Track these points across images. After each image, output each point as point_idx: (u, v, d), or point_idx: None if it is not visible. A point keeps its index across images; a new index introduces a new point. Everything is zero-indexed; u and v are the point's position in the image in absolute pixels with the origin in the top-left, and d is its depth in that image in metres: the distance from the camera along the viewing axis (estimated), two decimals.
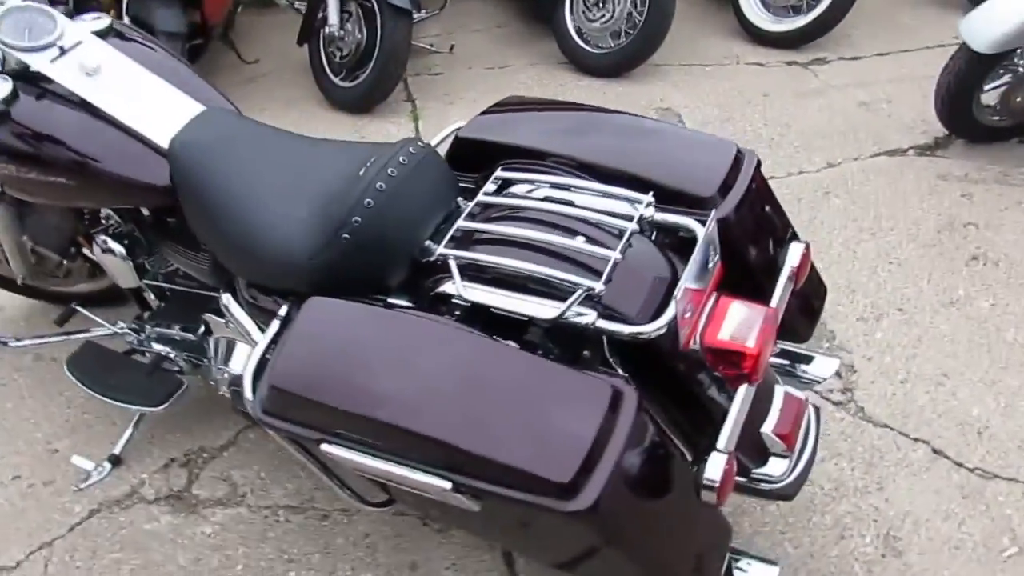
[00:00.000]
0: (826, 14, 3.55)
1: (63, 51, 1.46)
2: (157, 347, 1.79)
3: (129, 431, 1.88)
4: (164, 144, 1.43)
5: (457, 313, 1.23)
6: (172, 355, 1.78)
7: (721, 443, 1.11)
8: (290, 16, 3.74)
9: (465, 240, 1.25)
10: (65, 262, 2.03)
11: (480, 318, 1.20)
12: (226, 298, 1.49)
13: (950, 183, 2.74)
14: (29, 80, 1.47)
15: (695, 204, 1.29)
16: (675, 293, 1.08)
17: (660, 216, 1.25)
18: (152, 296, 1.83)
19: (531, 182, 1.34)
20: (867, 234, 2.51)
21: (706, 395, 1.26)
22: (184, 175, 1.40)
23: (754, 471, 1.32)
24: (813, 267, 1.53)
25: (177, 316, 1.77)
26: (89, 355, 1.85)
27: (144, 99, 1.47)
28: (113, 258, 1.66)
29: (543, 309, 1.15)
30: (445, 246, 1.23)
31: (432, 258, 1.23)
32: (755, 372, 1.13)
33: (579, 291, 1.11)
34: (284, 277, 1.33)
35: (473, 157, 1.45)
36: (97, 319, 1.97)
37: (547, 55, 3.79)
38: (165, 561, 1.69)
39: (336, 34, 3.37)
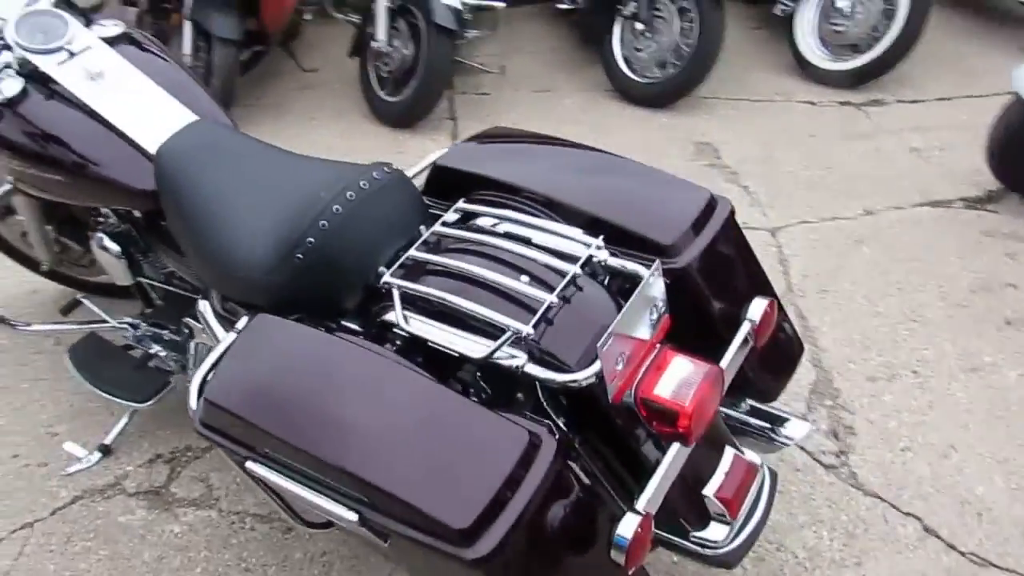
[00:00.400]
0: (886, 54, 3.41)
1: (71, 55, 1.53)
2: (148, 345, 1.84)
3: (122, 423, 1.94)
4: (152, 150, 1.47)
5: (399, 343, 1.22)
6: (161, 354, 1.83)
7: (639, 503, 1.06)
8: (351, 29, 3.82)
9: (415, 269, 1.24)
10: (88, 252, 2.12)
11: (421, 350, 1.19)
12: (203, 304, 1.52)
13: (995, 240, 2.59)
14: (39, 80, 1.54)
15: (655, 250, 1.26)
16: (600, 341, 1.04)
17: (611, 260, 1.22)
18: (154, 295, 1.89)
19: (491, 216, 1.33)
20: (894, 288, 2.39)
21: (643, 450, 1.21)
22: (166, 181, 1.44)
23: (693, 534, 1.26)
24: (787, 324, 1.47)
25: (169, 317, 1.82)
26: (90, 346, 1.92)
27: (141, 106, 1.53)
28: (107, 256, 1.72)
29: (474, 347, 1.13)
30: (392, 274, 1.22)
31: (379, 285, 1.23)
32: (690, 432, 1.09)
33: (508, 334, 1.09)
34: (244, 291, 1.35)
35: (449, 185, 1.44)
36: (99, 312, 2.04)
37: (595, 82, 3.76)
38: (131, 556, 1.74)
39: (383, 49, 3.43)
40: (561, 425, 1.19)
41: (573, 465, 1.14)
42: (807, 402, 1.97)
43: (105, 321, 1.97)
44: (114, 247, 1.71)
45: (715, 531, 1.26)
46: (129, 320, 1.89)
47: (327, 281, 1.27)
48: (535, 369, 1.10)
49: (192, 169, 1.44)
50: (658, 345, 1.15)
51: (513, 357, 1.11)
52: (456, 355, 1.15)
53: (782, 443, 1.48)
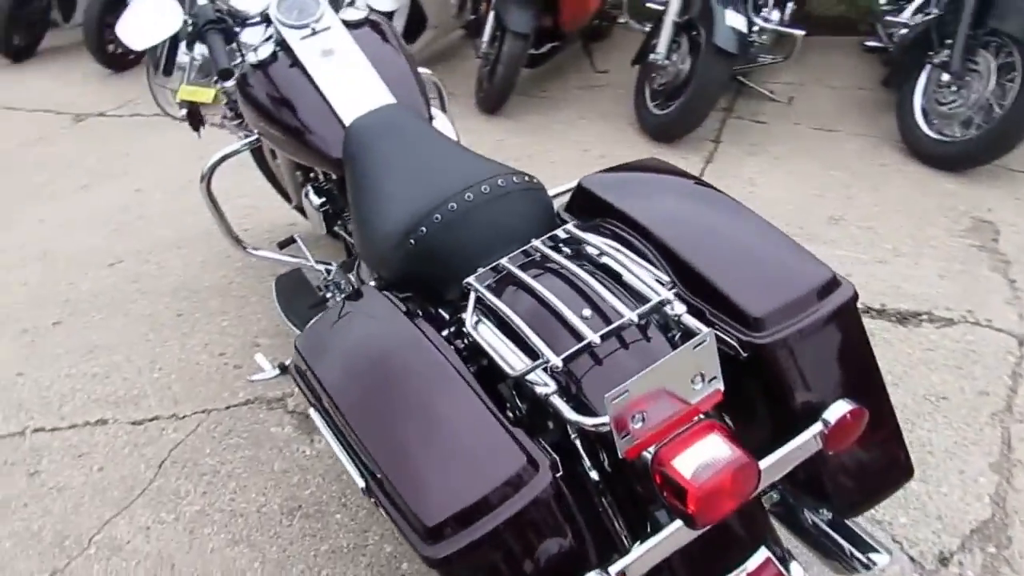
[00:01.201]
0: None
1: (314, 32, 1.81)
2: (329, 289, 2.12)
3: None
4: (347, 123, 1.70)
5: (466, 343, 1.30)
6: (333, 301, 2.10)
7: (614, 566, 1.03)
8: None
9: (502, 278, 1.30)
10: None
11: (483, 355, 1.26)
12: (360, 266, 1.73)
13: None
14: (285, 51, 1.85)
15: (740, 318, 1.18)
16: (612, 391, 1.02)
17: (686, 317, 1.17)
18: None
19: (594, 245, 1.34)
20: None
21: (654, 515, 1.16)
22: (347, 151, 1.66)
23: None
24: (897, 442, 1.28)
25: (348, 270, 2.08)
26: (292, 279, 2.26)
27: (352, 83, 1.76)
28: (310, 206, 2.01)
29: (517, 365, 1.17)
30: (477, 277, 1.30)
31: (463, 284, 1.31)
32: (696, 515, 1.03)
33: (540, 360, 1.11)
34: (374, 261, 1.51)
35: (587, 207, 1.48)
36: (305, 251, 2.33)
37: (885, 130, 3.41)
38: (266, 462, 2.05)
39: (660, 62, 3.46)
40: (585, 466, 1.18)
41: (570, 503, 1.13)
42: (963, 540, 1.67)
43: (307, 261, 2.30)
44: (316, 200, 2.00)
45: None
46: (324, 264, 2.18)
47: (430, 271, 1.38)
48: (558, 401, 1.11)
49: (369, 144, 1.63)
50: (701, 416, 1.10)
51: (545, 385, 1.13)
52: (499, 367, 1.20)
53: (856, 567, 1.30)
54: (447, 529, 1.00)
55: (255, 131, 2.00)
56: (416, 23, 4.25)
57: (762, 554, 1.16)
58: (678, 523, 1.04)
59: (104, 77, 5.08)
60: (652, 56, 3.47)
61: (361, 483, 1.14)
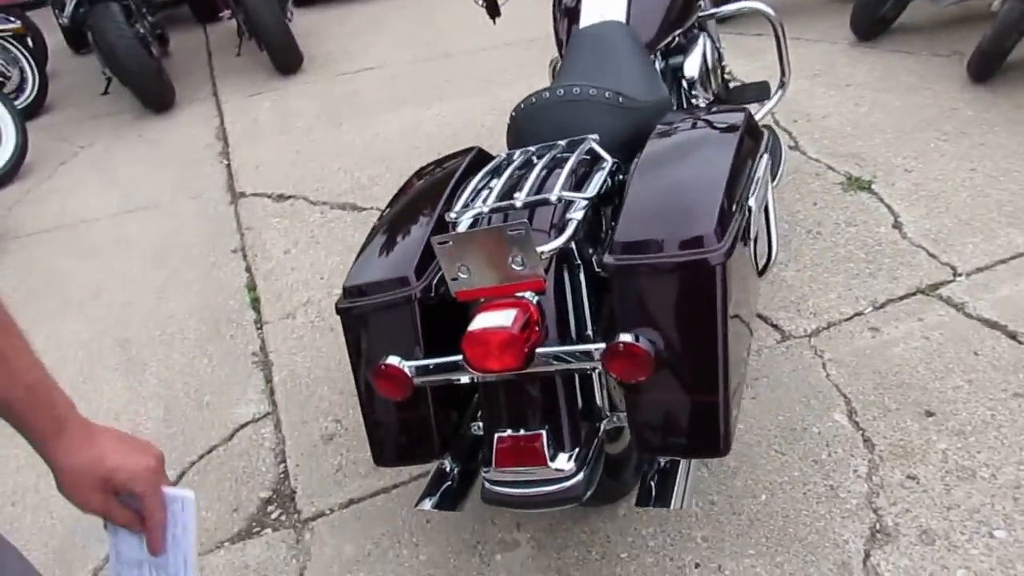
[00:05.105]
0: None
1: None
2: None
3: None
4: (581, 26, 2.00)
5: None
6: None
7: (409, 361, 1.34)
8: None
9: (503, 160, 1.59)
10: None
11: None
12: None
13: None
14: None
15: (612, 242, 1.28)
16: (437, 237, 1.19)
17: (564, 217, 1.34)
18: None
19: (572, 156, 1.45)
20: None
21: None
22: (567, 48, 2.03)
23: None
24: (714, 411, 1.24)
25: None
26: None
27: (600, 1, 2.02)
28: None
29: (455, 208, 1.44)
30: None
31: None
32: (470, 358, 1.22)
33: (458, 209, 1.41)
34: None
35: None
36: None
37: None
38: None
39: None
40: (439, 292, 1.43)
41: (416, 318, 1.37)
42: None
43: None
44: None
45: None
46: None
47: (513, 140, 1.71)
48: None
49: (576, 43, 1.97)
50: (524, 295, 1.24)
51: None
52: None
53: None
54: (351, 293, 1.42)
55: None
56: None
57: (539, 431, 1.29)
58: (459, 356, 1.25)
59: None
60: None
61: None
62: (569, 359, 1.25)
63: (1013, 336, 1.99)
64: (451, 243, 1.19)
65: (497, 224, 1.29)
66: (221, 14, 5.29)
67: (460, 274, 1.21)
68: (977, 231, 2.40)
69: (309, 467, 2.03)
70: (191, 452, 2.15)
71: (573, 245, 1.34)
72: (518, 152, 1.54)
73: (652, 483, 1.43)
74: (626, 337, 1.20)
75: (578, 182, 1.42)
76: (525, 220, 1.29)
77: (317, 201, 3.31)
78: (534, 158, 1.48)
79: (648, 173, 1.40)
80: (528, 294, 1.24)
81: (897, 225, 2.49)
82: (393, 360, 1.31)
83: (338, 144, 3.78)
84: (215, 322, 2.67)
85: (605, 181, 1.44)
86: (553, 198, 1.32)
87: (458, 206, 1.39)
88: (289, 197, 3.38)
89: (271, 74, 4.82)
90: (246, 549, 1.84)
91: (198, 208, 3.45)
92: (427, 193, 1.60)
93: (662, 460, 1.45)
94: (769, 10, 2.36)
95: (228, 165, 3.81)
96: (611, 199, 1.47)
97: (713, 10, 2.40)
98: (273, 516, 1.92)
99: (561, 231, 1.30)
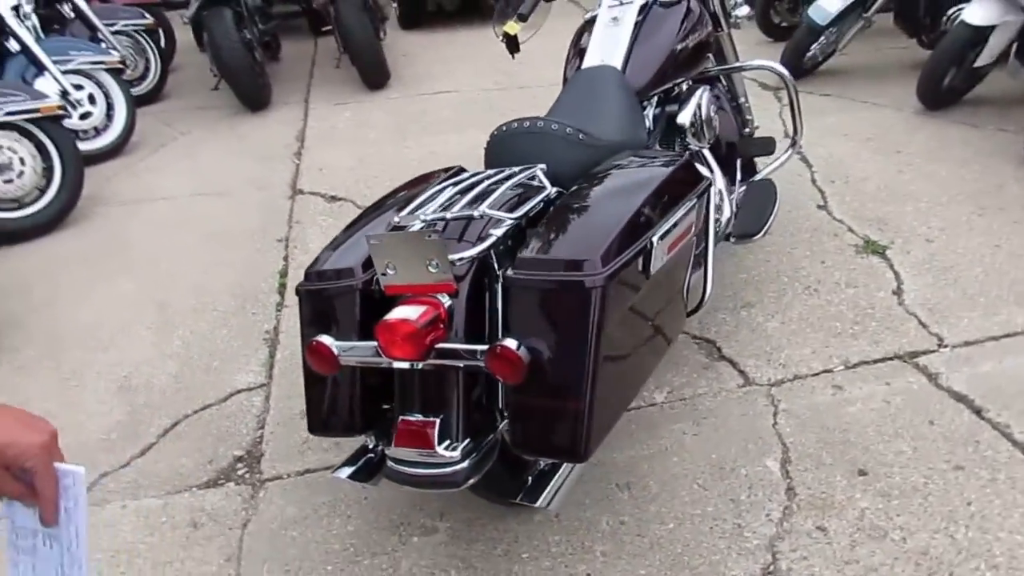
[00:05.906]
0: None
1: (621, 3, 2.24)
2: None
3: None
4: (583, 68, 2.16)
5: None
6: None
7: (341, 342, 1.46)
8: None
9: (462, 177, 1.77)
10: None
11: None
12: None
13: None
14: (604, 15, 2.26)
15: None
16: (371, 235, 1.35)
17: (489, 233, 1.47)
18: None
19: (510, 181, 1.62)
20: None
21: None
22: (567, 86, 2.18)
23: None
24: (577, 419, 1.34)
25: None
26: None
27: (603, 46, 2.16)
28: None
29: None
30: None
31: None
32: (381, 344, 1.36)
33: (404, 213, 1.56)
34: None
35: None
36: None
37: None
38: None
39: None
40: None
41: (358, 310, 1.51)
42: None
43: None
44: None
45: None
46: None
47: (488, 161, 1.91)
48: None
49: (572, 84, 2.13)
50: (438, 296, 1.38)
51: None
52: None
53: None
54: (309, 276, 1.58)
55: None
56: None
57: (434, 419, 1.41)
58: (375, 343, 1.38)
59: None
60: None
61: None
62: (462, 356, 1.38)
63: (978, 411, 1.95)
64: (380, 243, 1.36)
65: (417, 230, 1.45)
66: (324, 28, 5.71)
67: (388, 270, 1.38)
68: (979, 306, 2.36)
69: (282, 436, 2.21)
70: (188, 407, 2.36)
71: (494, 258, 1.47)
72: (481, 173, 1.71)
73: (529, 480, 1.53)
74: (508, 342, 1.31)
75: (514, 204, 1.56)
76: (439, 229, 1.47)
77: (362, 206, 3.51)
78: (485, 179, 1.62)
79: (570, 201, 1.55)
80: (443, 296, 1.40)
81: (897, 292, 2.48)
82: (324, 339, 1.46)
83: (397, 157, 4.02)
84: (243, 299, 2.91)
85: (537, 205, 1.57)
86: (477, 214, 1.47)
87: (406, 212, 1.55)
88: (340, 199, 3.64)
89: (359, 87, 5.17)
90: (207, 496, 2.03)
91: (261, 199, 3.75)
92: (399, 199, 1.76)
93: (543, 462, 1.54)
94: (783, 70, 2.43)
95: (298, 164, 4.12)
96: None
97: (724, 67, 2.48)
98: (239, 472, 2.10)
99: (480, 243, 1.44)
